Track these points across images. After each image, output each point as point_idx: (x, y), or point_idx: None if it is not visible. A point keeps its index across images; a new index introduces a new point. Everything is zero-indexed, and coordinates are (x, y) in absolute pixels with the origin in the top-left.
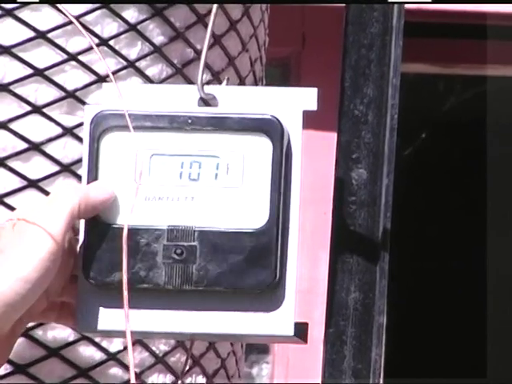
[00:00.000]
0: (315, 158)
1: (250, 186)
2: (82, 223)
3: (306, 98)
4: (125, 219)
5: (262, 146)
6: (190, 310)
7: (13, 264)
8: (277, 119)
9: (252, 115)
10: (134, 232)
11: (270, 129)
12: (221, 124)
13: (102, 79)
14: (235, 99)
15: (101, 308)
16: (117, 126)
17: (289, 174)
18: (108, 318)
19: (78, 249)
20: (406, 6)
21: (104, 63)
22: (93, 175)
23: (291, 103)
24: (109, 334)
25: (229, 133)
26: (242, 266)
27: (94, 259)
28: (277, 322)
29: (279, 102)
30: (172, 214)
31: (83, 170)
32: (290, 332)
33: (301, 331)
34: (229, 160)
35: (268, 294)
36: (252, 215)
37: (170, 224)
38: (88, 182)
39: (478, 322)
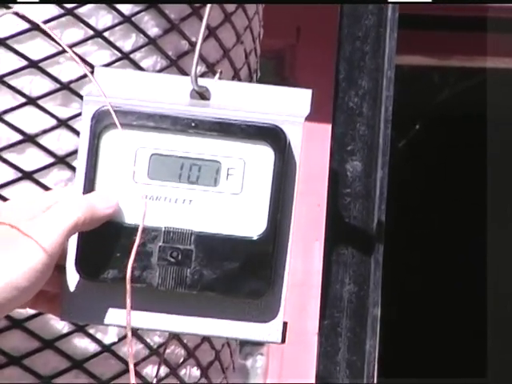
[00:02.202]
0: (310, 150)
1: (249, 193)
2: None
3: (301, 100)
4: (137, 220)
5: (264, 154)
6: (181, 312)
7: (4, 269)
8: (281, 129)
9: (256, 123)
10: (130, 230)
11: (274, 138)
12: (224, 130)
13: None
14: (228, 94)
15: (90, 301)
16: (119, 123)
17: (288, 183)
18: (97, 312)
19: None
20: None
21: (81, 66)
22: (92, 171)
23: (290, 109)
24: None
25: (232, 139)
26: (237, 273)
27: (89, 255)
28: (267, 330)
29: (276, 106)
30: (169, 216)
31: (80, 165)
32: (279, 340)
33: (284, 334)
34: (229, 166)
35: (260, 303)
36: (250, 223)
37: (167, 225)
38: (86, 178)
39: (477, 319)
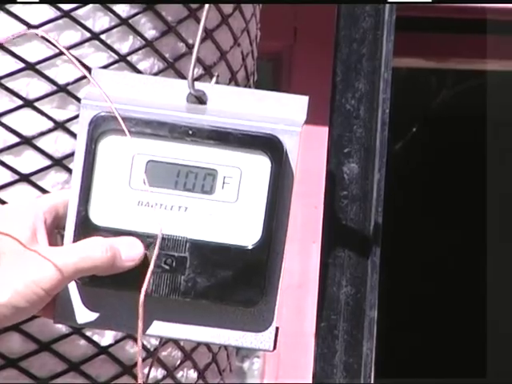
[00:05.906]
0: (307, 152)
1: (245, 202)
2: (70, 223)
3: (298, 107)
4: (132, 226)
5: (261, 164)
6: (175, 319)
7: (9, 284)
8: (278, 139)
9: (254, 132)
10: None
11: (271, 148)
12: (221, 138)
13: None
14: (225, 99)
15: (84, 305)
16: (116, 129)
17: (284, 193)
18: (90, 315)
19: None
20: None
21: (80, 69)
22: (88, 177)
23: (287, 117)
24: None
25: (229, 148)
26: (231, 282)
27: None
28: (259, 338)
29: (273, 113)
30: (164, 223)
31: (76, 170)
32: (270, 348)
33: (275, 341)
34: (226, 174)
35: (254, 311)
36: (245, 232)
37: (162, 232)
38: (82, 183)
39: (477, 319)
